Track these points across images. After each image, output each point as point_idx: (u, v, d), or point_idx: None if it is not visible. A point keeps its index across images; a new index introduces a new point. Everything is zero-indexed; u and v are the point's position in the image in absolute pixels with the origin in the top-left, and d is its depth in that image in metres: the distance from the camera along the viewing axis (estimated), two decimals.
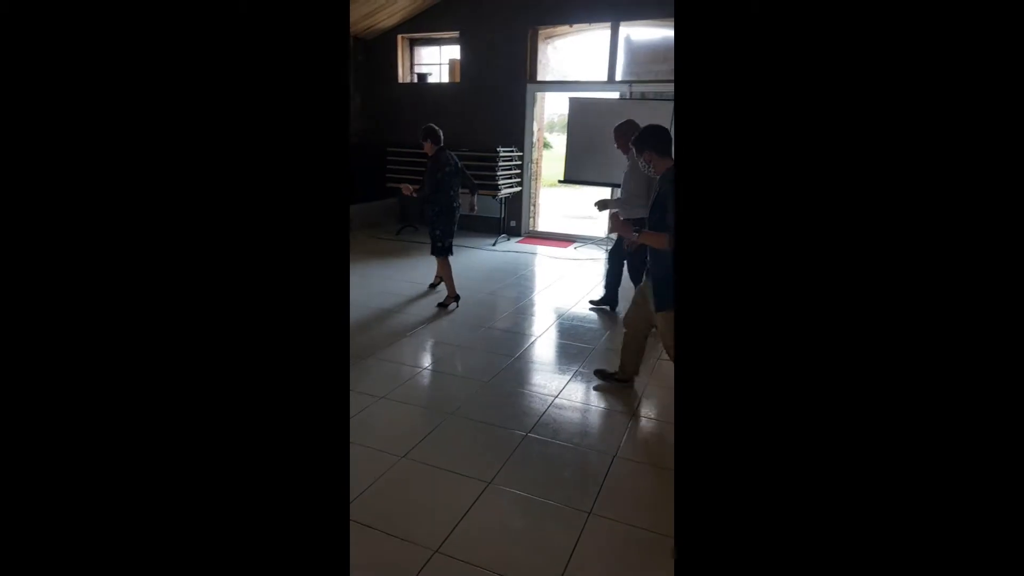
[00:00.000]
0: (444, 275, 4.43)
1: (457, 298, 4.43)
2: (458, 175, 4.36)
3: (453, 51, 7.45)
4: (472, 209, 4.57)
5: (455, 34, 7.21)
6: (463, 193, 4.44)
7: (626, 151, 3.72)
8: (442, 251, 4.34)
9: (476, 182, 4.61)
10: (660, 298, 2.56)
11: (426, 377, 3.21)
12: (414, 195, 4.36)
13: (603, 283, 4.55)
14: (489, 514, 2.02)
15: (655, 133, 2.48)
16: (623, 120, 3.88)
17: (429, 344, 3.68)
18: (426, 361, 3.44)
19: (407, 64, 7.83)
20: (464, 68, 7.21)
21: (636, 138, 2.59)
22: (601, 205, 3.99)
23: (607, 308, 4.42)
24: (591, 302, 4.54)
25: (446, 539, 1.88)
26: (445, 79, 7.68)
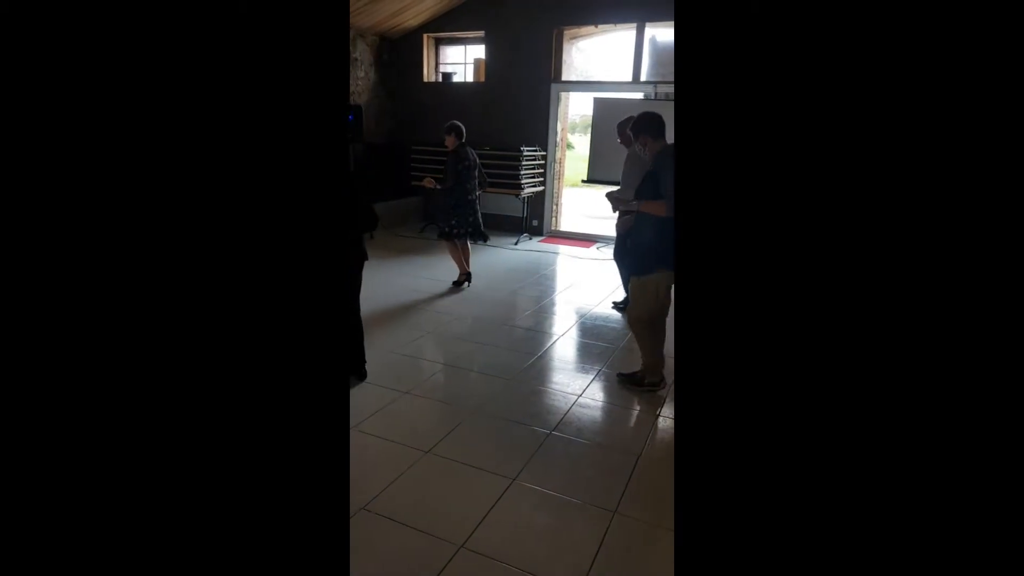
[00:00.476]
0: (453, 256, 4.69)
1: (468, 276, 4.73)
2: (475, 170, 4.57)
3: (478, 50, 7.47)
4: None
5: (480, 33, 7.23)
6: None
7: (628, 145, 3.81)
8: (448, 236, 4.61)
9: (500, 181, 4.77)
10: (640, 263, 2.75)
11: (449, 373, 3.23)
12: (437, 187, 4.54)
13: (622, 284, 4.53)
14: (514, 511, 2.03)
15: (650, 119, 2.70)
16: (626, 117, 3.96)
17: (452, 341, 3.70)
18: (449, 357, 3.46)
19: (432, 63, 7.87)
20: (489, 67, 7.23)
21: (633, 124, 2.80)
22: (610, 196, 4.08)
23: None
24: (614, 303, 4.53)
25: (471, 535, 1.88)
26: (470, 78, 7.70)
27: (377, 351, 3.32)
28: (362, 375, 2.98)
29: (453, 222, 4.57)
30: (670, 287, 2.82)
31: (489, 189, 5.26)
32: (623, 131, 3.92)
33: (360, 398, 2.80)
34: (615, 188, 4.10)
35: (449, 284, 4.84)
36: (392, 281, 4.90)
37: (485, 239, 4.95)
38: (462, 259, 4.73)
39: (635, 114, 3.83)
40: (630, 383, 3.04)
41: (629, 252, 2.84)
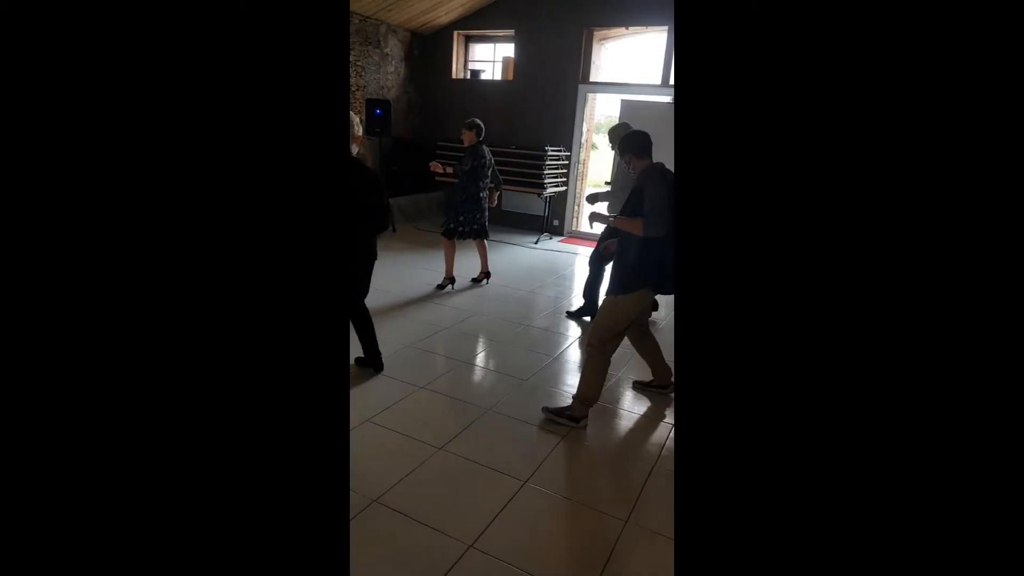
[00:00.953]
0: (447, 254, 4.66)
1: (453, 280, 4.70)
2: (489, 169, 4.59)
3: (507, 49, 7.47)
4: (492, 204, 4.79)
5: (510, 32, 7.22)
6: (489, 187, 4.68)
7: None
8: (451, 233, 4.59)
9: (523, 180, 4.73)
10: (614, 282, 2.68)
11: (464, 370, 3.23)
12: (447, 170, 4.59)
13: (590, 290, 4.25)
14: (524, 513, 2.02)
15: (635, 138, 2.71)
16: (615, 124, 4.03)
17: (468, 338, 3.70)
18: (464, 354, 3.46)
19: (461, 60, 7.88)
20: (517, 66, 7.21)
21: (620, 142, 2.81)
22: (592, 199, 4.11)
23: (588, 318, 4.18)
24: (568, 313, 4.31)
25: (481, 535, 1.88)
26: (498, 76, 7.70)
27: (394, 344, 3.33)
28: (379, 367, 3.00)
29: (461, 219, 4.57)
30: (645, 306, 2.71)
31: (511, 187, 5.23)
32: (613, 138, 3.94)
33: (375, 390, 2.82)
34: (599, 190, 4.11)
35: (468, 280, 4.86)
36: (411, 275, 4.92)
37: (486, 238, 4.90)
38: (453, 260, 4.67)
39: (627, 122, 3.93)
40: (556, 416, 2.69)
41: (613, 270, 2.78)
